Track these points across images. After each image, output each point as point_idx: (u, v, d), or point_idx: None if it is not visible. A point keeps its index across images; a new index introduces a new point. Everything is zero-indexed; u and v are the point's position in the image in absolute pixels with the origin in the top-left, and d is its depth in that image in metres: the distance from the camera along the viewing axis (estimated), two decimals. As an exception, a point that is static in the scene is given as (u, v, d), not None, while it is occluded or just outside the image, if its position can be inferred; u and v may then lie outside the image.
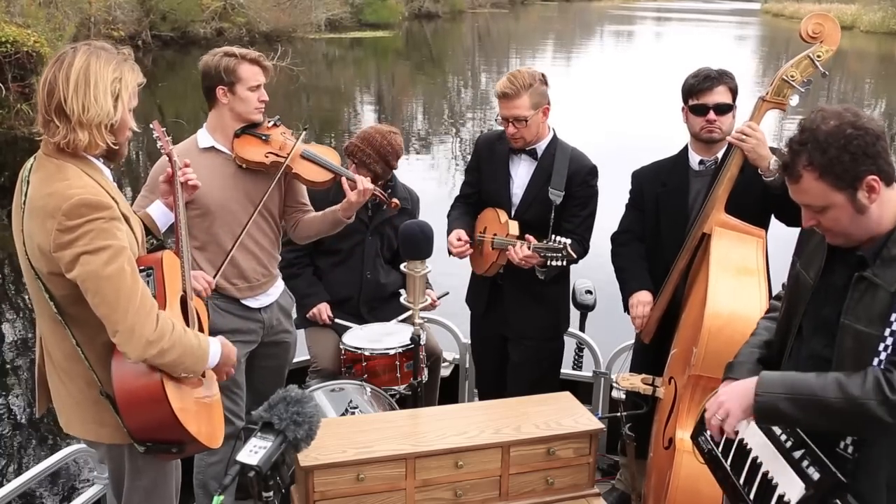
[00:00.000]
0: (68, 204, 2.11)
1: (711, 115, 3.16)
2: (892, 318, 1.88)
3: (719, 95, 3.16)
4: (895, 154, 2.13)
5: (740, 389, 2.10)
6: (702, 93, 3.17)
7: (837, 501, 1.87)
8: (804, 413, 1.99)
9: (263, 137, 3.21)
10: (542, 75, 3.39)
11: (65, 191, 2.13)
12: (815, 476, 1.96)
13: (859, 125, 1.92)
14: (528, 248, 3.25)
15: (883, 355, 1.88)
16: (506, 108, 3.35)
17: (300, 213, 3.41)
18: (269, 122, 3.26)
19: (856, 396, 1.89)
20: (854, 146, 1.91)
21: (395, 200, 3.47)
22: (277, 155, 3.20)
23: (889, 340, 1.88)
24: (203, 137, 3.20)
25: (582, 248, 3.45)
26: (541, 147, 3.46)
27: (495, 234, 3.45)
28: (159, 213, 2.67)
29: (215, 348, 2.40)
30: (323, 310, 3.80)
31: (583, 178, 3.44)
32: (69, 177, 2.17)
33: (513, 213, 3.49)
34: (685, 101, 3.25)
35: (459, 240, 3.49)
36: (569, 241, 3.17)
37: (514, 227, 3.40)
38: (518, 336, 3.62)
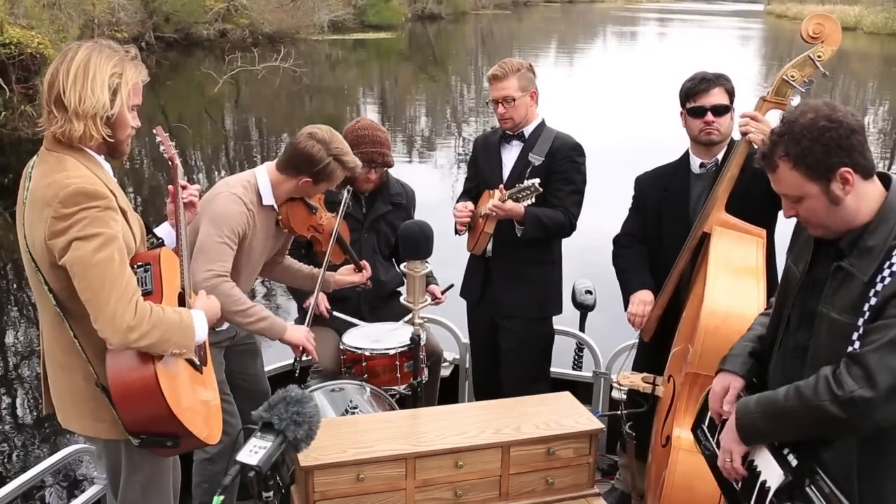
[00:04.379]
0: (65, 192, 2.14)
1: (709, 116, 3.17)
2: (865, 308, 1.90)
3: (716, 97, 3.18)
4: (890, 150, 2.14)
5: (730, 425, 2.16)
6: (699, 95, 3.18)
7: (813, 486, 1.90)
8: (779, 427, 2.03)
9: (313, 210, 3.31)
10: (529, 65, 3.63)
11: (62, 180, 2.16)
12: (794, 463, 1.98)
13: (834, 118, 1.95)
14: (499, 199, 3.38)
15: (857, 344, 1.90)
16: (496, 90, 3.58)
17: (281, 257, 3.52)
18: None
19: (809, 399, 1.92)
20: (826, 138, 1.94)
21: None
22: (317, 230, 3.36)
23: (862, 330, 1.90)
24: (266, 193, 3.16)
25: (568, 222, 3.56)
26: (528, 129, 3.65)
27: (483, 207, 3.58)
28: (166, 233, 2.66)
29: (200, 319, 2.40)
30: (321, 301, 3.80)
31: (566, 153, 3.57)
32: (68, 168, 2.20)
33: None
34: (683, 104, 3.26)
35: (466, 207, 3.68)
36: (537, 179, 3.30)
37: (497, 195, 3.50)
38: (505, 316, 3.72)
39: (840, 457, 1.97)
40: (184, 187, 2.66)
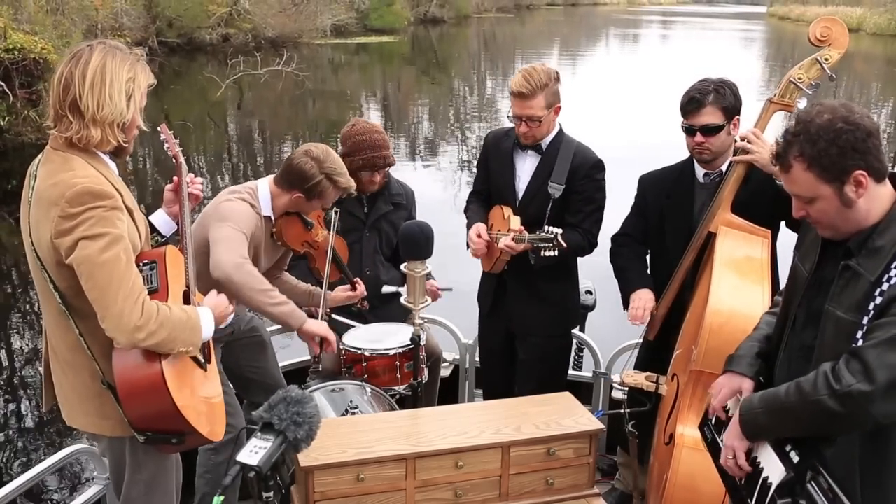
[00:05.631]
0: (72, 191, 2.15)
1: (699, 136, 3.13)
2: (870, 307, 1.90)
3: (706, 117, 3.11)
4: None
5: (733, 422, 2.18)
6: (689, 114, 3.15)
7: (813, 483, 1.90)
8: (780, 422, 2.04)
9: (308, 225, 3.37)
10: (556, 73, 3.40)
11: (69, 180, 2.17)
12: (795, 460, 1.99)
13: (851, 120, 1.94)
14: (514, 238, 3.28)
15: (860, 343, 1.90)
16: (519, 108, 3.35)
17: (279, 272, 3.56)
18: None
19: (808, 394, 1.93)
20: (843, 140, 1.93)
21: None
22: (311, 245, 3.41)
23: (866, 329, 1.90)
24: (265, 203, 3.24)
25: (588, 243, 3.45)
26: (546, 142, 3.47)
27: (499, 231, 3.49)
28: (161, 221, 2.69)
29: (207, 317, 2.41)
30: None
31: (586, 172, 3.43)
32: (74, 167, 2.21)
33: (517, 206, 3.50)
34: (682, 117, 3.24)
35: (479, 236, 3.50)
36: (559, 230, 3.15)
37: (514, 223, 3.42)
38: (523, 333, 3.65)
39: (842, 454, 1.97)
40: (190, 182, 2.68)
